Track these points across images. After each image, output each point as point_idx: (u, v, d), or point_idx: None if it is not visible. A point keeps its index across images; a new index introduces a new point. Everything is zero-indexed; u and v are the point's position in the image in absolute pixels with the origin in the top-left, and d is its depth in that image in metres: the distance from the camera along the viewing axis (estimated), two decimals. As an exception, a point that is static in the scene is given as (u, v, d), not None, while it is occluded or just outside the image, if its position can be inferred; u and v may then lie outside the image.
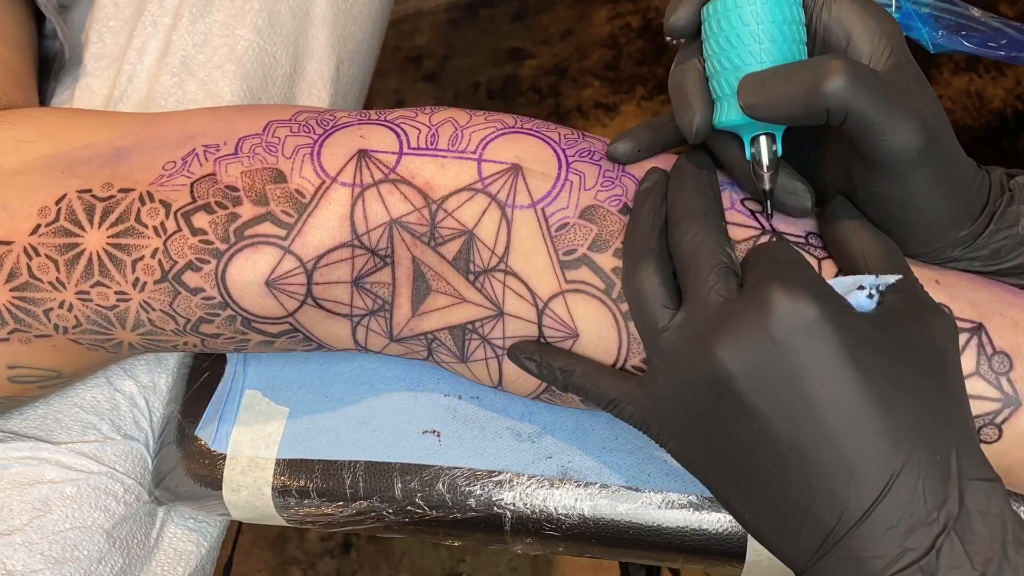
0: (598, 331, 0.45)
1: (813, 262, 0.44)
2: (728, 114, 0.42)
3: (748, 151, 0.43)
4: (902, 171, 0.40)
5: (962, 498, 0.35)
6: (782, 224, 0.45)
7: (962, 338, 0.43)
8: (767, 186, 0.42)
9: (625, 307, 0.44)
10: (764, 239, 0.44)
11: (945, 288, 0.44)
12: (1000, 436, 0.43)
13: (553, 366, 0.44)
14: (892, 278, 0.39)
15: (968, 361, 0.43)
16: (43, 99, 0.66)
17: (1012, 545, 0.35)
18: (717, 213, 0.42)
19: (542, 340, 0.46)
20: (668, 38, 0.43)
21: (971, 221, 0.42)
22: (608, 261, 0.45)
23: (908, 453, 0.36)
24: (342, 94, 0.74)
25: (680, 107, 0.43)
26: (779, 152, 0.42)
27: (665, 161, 0.47)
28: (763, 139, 0.42)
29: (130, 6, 0.67)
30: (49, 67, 0.66)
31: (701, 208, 0.42)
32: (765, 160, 0.42)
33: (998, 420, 0.43)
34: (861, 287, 0.38)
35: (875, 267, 0.40)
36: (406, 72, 1.53)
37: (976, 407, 0.43)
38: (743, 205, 0.46)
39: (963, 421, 0.38)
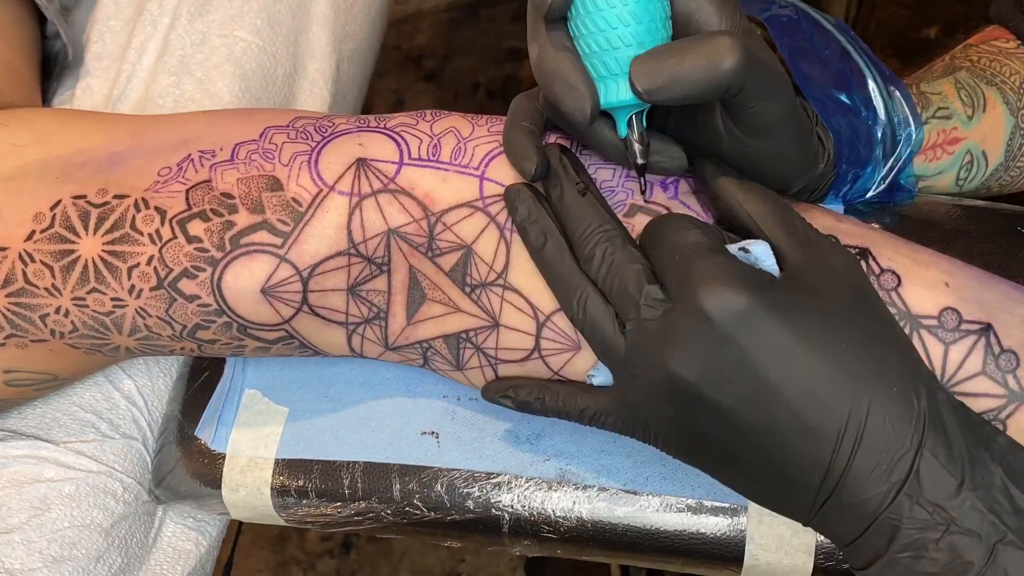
0: None
1: None
2: (618, 94, 0.41)
3: (623, 130, 0.42)
4: (776, 131, 0.42)
5: (925, 417, 0.38)
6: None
7: (970, 339, 0.44)
8: (642, 160, 0.43)
9: None
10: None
11: (955, 291, 0.45)
12: (1004, 430, 0.44)
13: (529, 399, 0.45)
14: (758, 243, 0.41)
15: (975, 361, 0.44)
16: (44, 99, 0.66)
17: (975, 447, 0.38)
18: (610, 219, 0.43)
19: (537, 352, 0.46)
20: (546, 15, 0.41)
21: (814, 164, 0.46)
22: None
23: (868, 399, 0.38)
24: (342, 93, 0.74)
25: (565, 93, 0.41)
26: (644, 125, 0.43)
27: (511, 174, 0.46)
28: (635, 117, 0.42)
29: (130, 6, 0.67)
30: (51, 67, 0.66)
31: (596, 222, 0.42)
32: (642, 136, 0.42)
33: (1003, 416, 0.44)
34: (744, 249, 0.41)
35: (766, 226, 0.42)
36: (406, 72, 1.53)
37: (980, 404, 0.44)
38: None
39: (901, 339, 0.41)
